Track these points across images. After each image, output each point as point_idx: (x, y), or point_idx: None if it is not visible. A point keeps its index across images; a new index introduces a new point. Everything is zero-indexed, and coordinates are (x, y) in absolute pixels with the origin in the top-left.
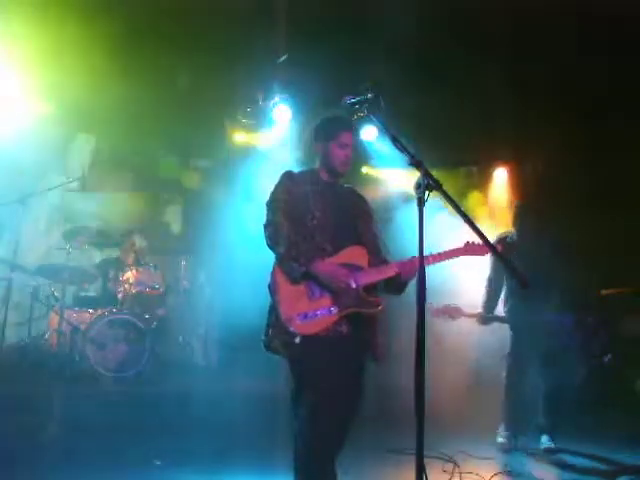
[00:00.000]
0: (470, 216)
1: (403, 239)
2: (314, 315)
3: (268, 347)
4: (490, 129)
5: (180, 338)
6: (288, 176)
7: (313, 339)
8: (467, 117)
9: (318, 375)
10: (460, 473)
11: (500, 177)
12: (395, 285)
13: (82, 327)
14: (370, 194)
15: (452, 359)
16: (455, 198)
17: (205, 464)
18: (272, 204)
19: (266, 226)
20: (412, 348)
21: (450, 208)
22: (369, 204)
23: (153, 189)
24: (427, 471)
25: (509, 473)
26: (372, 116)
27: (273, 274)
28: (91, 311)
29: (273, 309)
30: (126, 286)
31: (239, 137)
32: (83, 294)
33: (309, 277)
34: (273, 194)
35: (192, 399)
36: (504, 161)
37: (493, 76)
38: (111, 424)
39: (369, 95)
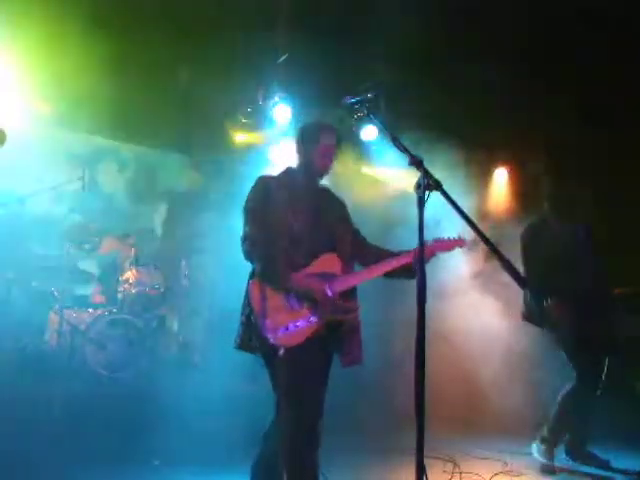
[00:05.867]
0: (470, 216)
1: (403, 240)
2: (295, 326)
3: (246, 347)
4: (491, 128)
5: (180, 338)
6: (263, 183)
7: (296, 349)
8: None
9: (301, 379)
10: (460, 473)
11: (500, 177)
12: (399, 273)
13: (82, 327)
14: (370, 194)
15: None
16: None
17: (204, 464)
18: (248, 215)
19: (243, 240)
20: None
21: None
22: (346, 206)
23: (153, 188)
24: (427, 471)
25: (509, 473)
26: (372, 116)
27: (251, 288)
28: (91, 311)
29: (251, 317)
30: (126, 286)
31: (239, 137)
32: (83, 294)
33: (286, 290)
34: (249, 203)
35: (192, 399)
36: (504, 161)
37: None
38: (110, 424)
39: (369, 95)
